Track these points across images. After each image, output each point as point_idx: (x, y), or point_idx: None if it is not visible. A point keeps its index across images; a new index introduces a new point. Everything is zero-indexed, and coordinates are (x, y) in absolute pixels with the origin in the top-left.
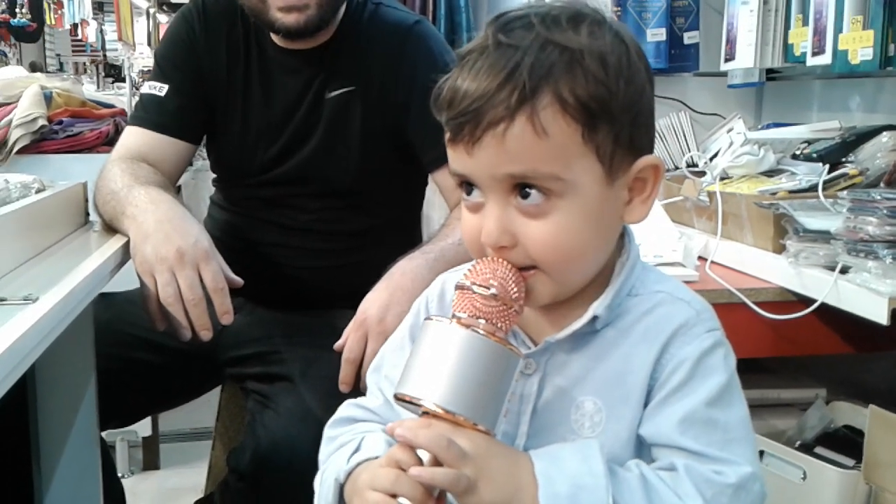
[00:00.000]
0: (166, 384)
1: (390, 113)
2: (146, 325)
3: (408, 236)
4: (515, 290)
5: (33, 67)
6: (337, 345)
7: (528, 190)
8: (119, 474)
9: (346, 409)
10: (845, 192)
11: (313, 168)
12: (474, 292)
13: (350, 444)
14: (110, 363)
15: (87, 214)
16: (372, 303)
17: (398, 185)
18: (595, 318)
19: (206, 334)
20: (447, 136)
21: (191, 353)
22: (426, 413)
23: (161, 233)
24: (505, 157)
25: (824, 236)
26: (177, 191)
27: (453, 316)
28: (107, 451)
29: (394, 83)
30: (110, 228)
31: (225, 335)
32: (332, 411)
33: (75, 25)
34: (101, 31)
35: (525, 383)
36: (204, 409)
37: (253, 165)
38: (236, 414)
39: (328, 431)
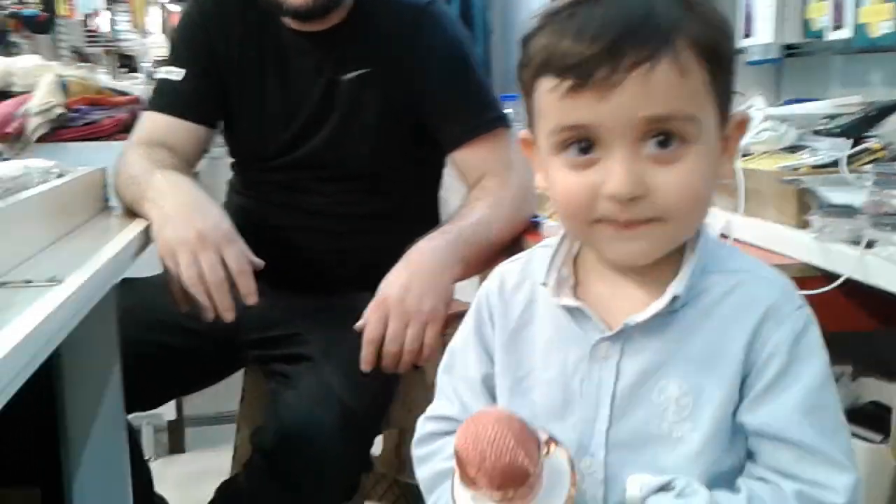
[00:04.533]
0: (190, 367)
1: (406, 94)
2: (170, 309)
3: (426, 218)
4: (520, 461)
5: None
6: (357, 325)
7: (663, 136)
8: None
9: (426, 424)
10: (869, 166)
11: (329, 151)
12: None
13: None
14: (135, 347)
15: (107, 199)
16: (392, 283)
17: (415, 167)
18: (675, 297)
19: (228, 315)
20: (561, 86)
21: (213, 337)
22: None
23: (182, 216)
24: (648, 99)
25: (848, 211)
26: (194, 177)
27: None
28: (134, 435)
29: (410, 64)
30: (131, 213)
31: (246, 318)
32: (354, 390)
33: (87, 16)
34: (114, 21)
35: (602, 367)
36: (228, 393)
37: (268, 149)
38: (260, 397)
39: (416, 452)
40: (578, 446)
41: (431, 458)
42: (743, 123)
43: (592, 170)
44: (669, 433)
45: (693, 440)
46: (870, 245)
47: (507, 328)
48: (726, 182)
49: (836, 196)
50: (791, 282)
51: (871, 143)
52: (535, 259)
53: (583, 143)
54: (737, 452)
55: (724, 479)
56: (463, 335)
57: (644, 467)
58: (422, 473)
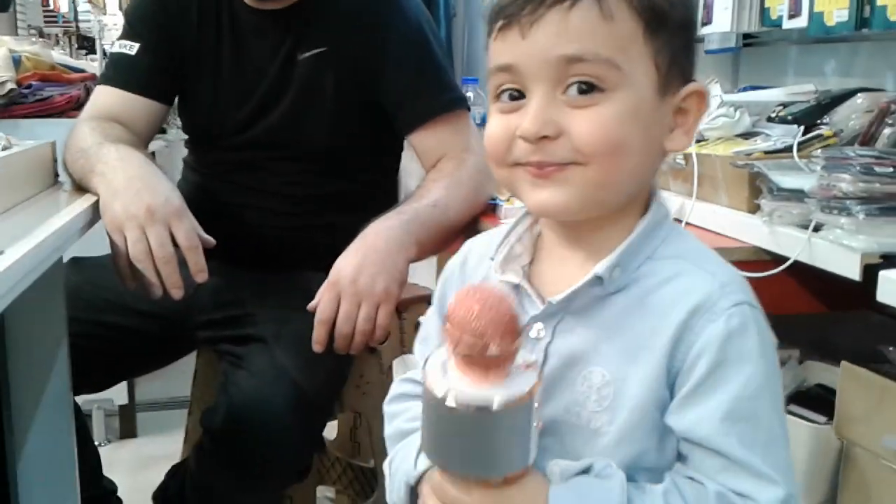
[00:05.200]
0: (138, 348)
1: (363, 75)
2: (117, 288)
3: (383, 201)
4: (492, 336)
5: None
6: (310, 305)
7: (584, 83)
8: (96, 442)
9: (400, 385)
10: (820, 151)
11: (285, 131)
12: (455, 349)
13: (412, 439)
14: (82, 327)
15: (56, 175)
16: (345, 264)
17: (372, 149)
18: (598, 278)
19: (176, 292)
20: (496, 26)
21: (162, 317)
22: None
23: (131, 190)
24: (565, 37)
25: (798, 195)
26: (151, 158)
27: (447, 363)
28: (81, 417)
29: (367, 44)
30: (80, 188)
31: (197, 298)
32: (306, 371)
33: None
34: (74, 1)
35: (533, 348)
36: (181, 379)
37: (224, 128)
38: (212, 380)
39: (387, 409)
40: None
41: (397, 416)
42: (699, 95)
43: (516, 114)
44: (588, 423)
45: (609, 433)
46: (817, 228)
47: None
48: (680, 167)
49: (787, 181)
50: (740, 279)
51: (823, 130)
52: (498, 234)
53: (513, 90)
54: (667, 453)
55: (648, 476)
56: (431, 308)
57: (562, 455)
58: (387, 431)
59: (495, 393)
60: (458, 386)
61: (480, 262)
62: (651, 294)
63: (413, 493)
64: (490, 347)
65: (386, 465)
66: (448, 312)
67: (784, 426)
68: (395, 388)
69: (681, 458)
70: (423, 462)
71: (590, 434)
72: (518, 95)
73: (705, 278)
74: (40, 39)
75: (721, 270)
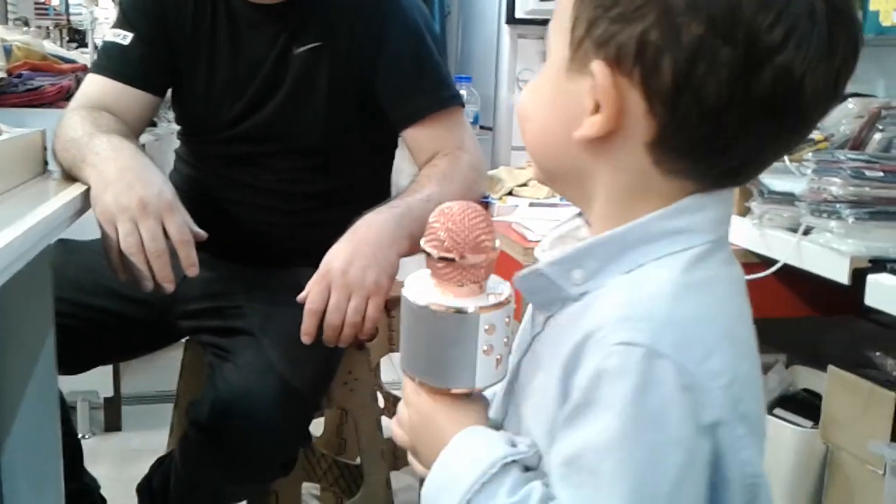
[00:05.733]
0: (119, 332)
1: (358, 70)
2: (102, 271)
3: (376, 197)
4: (463, 247)
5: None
6: (300, 296)
7: None
8: (80, 435)
9: None
10: (811, 154)
11: (279, 125)
12: (425, 252)
13: None
14: (63, 306)
15: (46, 163)
16: (336, 255)
17: (366, 146)
18: (541, 274)
19: (168, 286)
20: None
21: (147, 302)
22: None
23: (123, 182)
24: None
25: (788, 198)
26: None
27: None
28: (65, 408)
29: (362, 39)
30: (69, 177)
31: (184, 288)
32: (293, 364)
33: None
34: None
35: (526, 338)
36: (167, 372)
37: (217, 121)
38: (199, 372)
39: None
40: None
41: None
42: (600, 82)
43: None
44: (523, 416)
45: (536, 434)
46: (807, 232)
47: None
48: None
49: (778, 184)
50: (661, 321)
51: (815, 135)
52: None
53: None
54: None
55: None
56: None
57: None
58: None
59: (448, 300)
60: (426, 292)
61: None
62: (589, 306)
63: None
64: (461, 255)
65: None
66: (427, 226)
67: (638, 490)
68: None
69: None
70: None
71: (529, 431)
72: None
73: (618, 306)
74: (29, 30)
75: (650, 304)
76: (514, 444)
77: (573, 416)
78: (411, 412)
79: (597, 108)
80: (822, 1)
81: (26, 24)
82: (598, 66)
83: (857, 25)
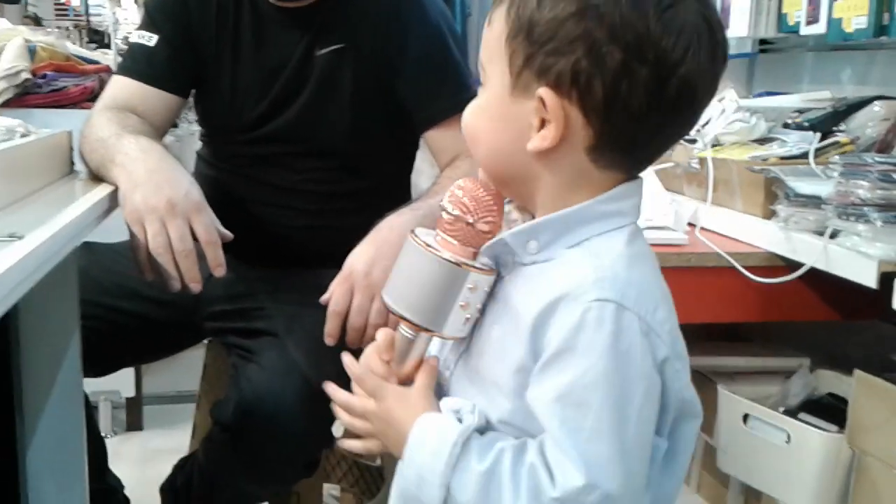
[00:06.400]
0: (145, 334)
1: (381, 72)
2: (126, 273)
3: (397, 199)
4: (479, 214)
5: (35, 24)
6: (323, 298)
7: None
8: (102, 434)
9: None
10: (837, 157)
11: (302, 127)
12: (442, 208)
13: None
14: (88, 309)
15: (72, 163)
16: (359, 257)
17: (388, 147)
18: (501, 241)
19: (195, 286)
20: None
21: (171, 304)
22: (397, 316)
23: (152, 182)
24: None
25: (814, 201)
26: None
27: (435, 237)
28: (89, 409)
29: (385, 41)
30: (96, 178)
31: (208, 290)
32: (317, 366)
33: None
34: None
35: (483, 300)
36: (189, 372)
37: (240, 122)
38: (222, 373)
39: None
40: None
41: None
42: (541, 103)
43: None
44: (486, 370)
45: (496, 384)
46: (834, 235)
47: None
48: (695, 171)
49: (803, 186)
50: (627, 283)
51: (840, 137)
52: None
53: None
54: (536, 420)
55: (522, 434)
56: None
57: (469, 393)
58: None
59: (448, 251)
60: (431, 240)
61: None
62: (545, 273)
63: None
64: (476, 219)
65: None
66: (451, 188)
67: (627, 432)
68: None
69: None
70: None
71: (482, 379)
72: None
73: (590, 271)
74: (47, 29)
75: (609, 270)
76: (460, 419)
77: (554, 360)
78: (368, 406)
79: (542, 124)
80: (705, 22)
81: (37, 22)
82: (544, 91)
83: (725, 40)
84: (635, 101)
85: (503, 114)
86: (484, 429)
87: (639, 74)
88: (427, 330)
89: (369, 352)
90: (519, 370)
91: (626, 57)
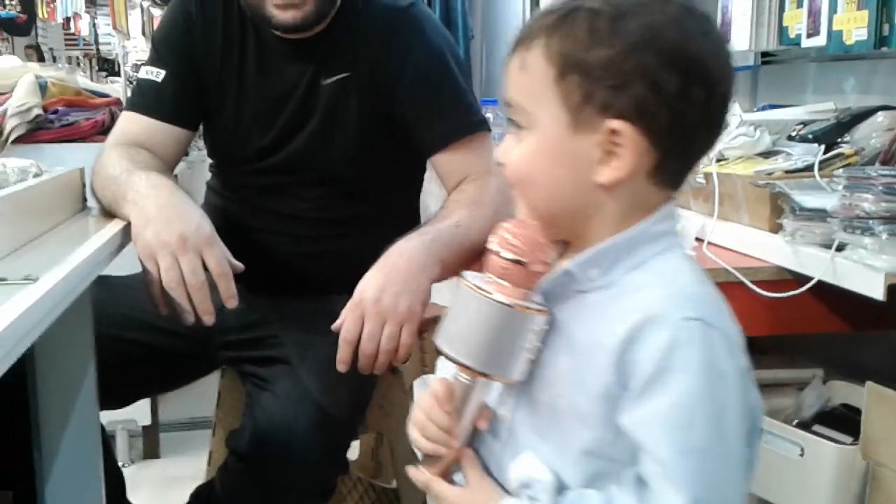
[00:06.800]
0: (160, 366)
1: (386, 97)
2: (141, 306)
3: (406, 223)
4: (532, 250)
5: (38, 54)
6: (334, 325)
7: (512, 119)
8: (119, 463)
9: None
10: (841, 170)
11: (309, 156)
12: (493, 253)
13: None
14: (103, 343)
15: (85, 200)
16: (369, 284)
17: (395, 172)
18: (567, 272)
19: (208, 319)
20: None
21: (185, 336)
22: (455, 363)
23: (163, 218)
24: (506, 85)
25: (820, 214)
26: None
27: (486, 280)
28: (106, 439)
29: (387, 67)
30: (108, 214)
31: (221, 320)
32: (330, 392)
33: (68, 19)
34: (94, 24)
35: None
36: (204, 399)
37: (247, 153)
38: (237, 400)
39: None
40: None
41: None
42: (617, 133)
43: None
44: (554, 404)
45: (570, 416)
46: (840, 248)
47: None
48: (701, 186)
49: (809, 200)
50: (704, 299)
51: (844, 149)
52: None
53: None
54: (623, 446)
55: (609, 465)
56: None
57: (536, 429)
58: None
59: (512, 296)
60: (489, 286)
61: None
62: (618, 299)
63: None
64: (531, 261)
65: None
66: (498, 231)
67: (729, 447)
68: None
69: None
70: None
71: (556, 414)
72: None
73: (667, 292)
74: (66, 65)
75: (687, 290)
76: (533, 497)
77: (652, 383)
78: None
79: (605, 155)
80: (725, 44)
81: (39, 53)
82: (618, 124)
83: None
84: (690, 120)
85: (563, 152)
86: (560, 486)
87: (693, 95)
88: (488, 375)
89: (427, 405)
90: (604, 397)
91: (682, 81)
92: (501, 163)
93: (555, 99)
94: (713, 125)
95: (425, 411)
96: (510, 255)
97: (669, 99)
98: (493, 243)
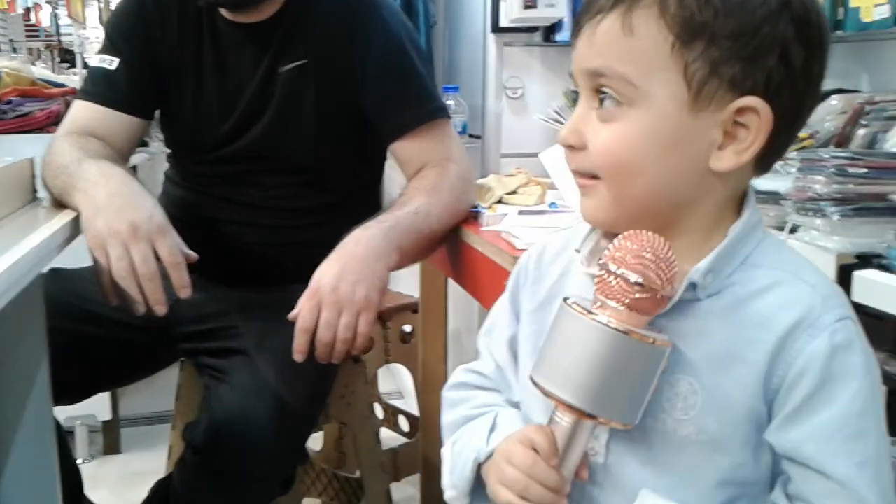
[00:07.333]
0: (117, 359)
1: (345, 85)
2: (96, 298)
3: (367, 212)
4: (665, 273)
5: None
6: (291, 315)
7: (603, 93)
8: (79, 459)
9: (462, 374)
10: (795, 153)
11: (268, 144)
12: (617, 276)
13: (484, 420)
14: (58, 337)
15: (35, 191)
16: (325, 272)
17: (355, 161)
18: (693, 285)
19: (160, 309)
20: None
21: (142, 328)
22: (560, 404)
23: (113, 206)
24: (591, 51)
25: (775, 197)
26: (132, 172)
27: (594, 304)
28: (62, 435)
29: (347, 55)
30: (59, 204)
31: (179, 310)
32: (288, 383)
33: (28, 10)
34: (55, 15)
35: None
36: (165, 393)
37: (206, 141)
38: (196, 393)
39: (447, 395)
40: None
41: (461, 403)
42: (758, 113)
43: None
44: (674, 431)
45: (699, 443)
46: (794, 230)
47: (536, 297)
48: None
49: (764, 183)
50: (840, 292)
51: (800, 132)
52: (578, 230)
53: (575, 94)
54: (761, 465)
55: (742, 489)
56: (502, 300)
57: (648, 460)
58: (448, 417)
59: (641, 329)
60: (612, 316)
61: (558, 257)
62: (747, 303)
63: (478, 470)
64: (664, 286)
65: (447, 448)
66: (613, 257)
67: (887, 443)
68: (458, 376)
69: (781, 474)
70: (497, 438)
71: (678, 442)
72: (577, 99)
73: (806, 290)
74: (19, 55)
75: (821, 283)
76: None
77: (816, 394)
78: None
79: (726, 137)
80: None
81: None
82: (755, 101)
83: None
84: (806, 98)
85: (681, 134)
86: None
87: (812, 71)
88: (598, 418)
89: (528, 460)
90: (748, 418)
91: (806, 54)
92: (574, 145)
93: (674, 70)
94: (814, 106)
95: (526, 469)
96: (635, 278)
97: (794, 74)
98: (610, 263)
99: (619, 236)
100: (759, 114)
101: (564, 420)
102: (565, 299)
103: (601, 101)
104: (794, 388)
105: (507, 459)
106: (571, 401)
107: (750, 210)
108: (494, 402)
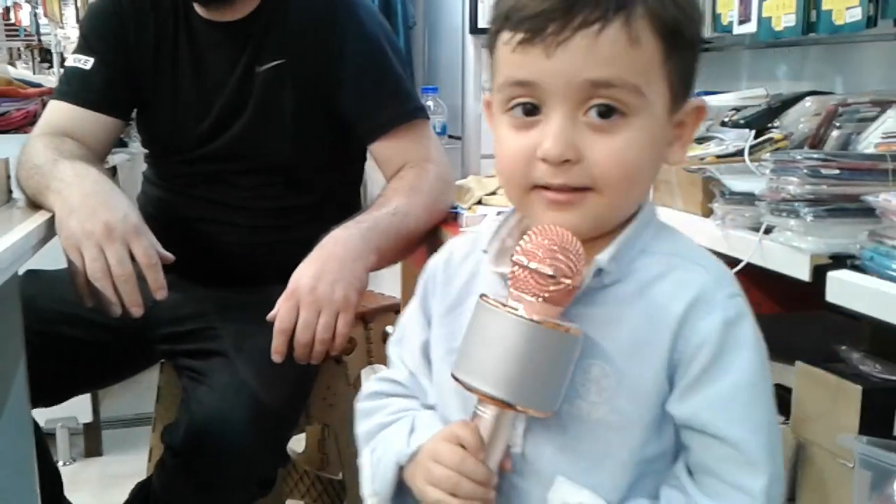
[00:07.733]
0: (95, 361)
1: (322, 85)
2: (73, 300)
3: (346, 212)
4: (576, 265)
5: None
6: (269, 315)
7: (604, 105)
8: (60, 462)
9: (375, 383)
10: (769, 154)
11: (246, 144)
12: (531, 270)
13: (402, 424)
14: (35, 338)
15: (10, 192)
16: (303, 273)
17: (334, 160)
18: (600, 270)
19: (136, 311)
20: (514, 38)
21: (120, 330)
22: (483, 397)
23: (88, 207)
24: (592, 61)
25: (749, 198)
26: (112, 173)
27: (508, 298)
28: (42, 437)
29: (324, 54)
30: (34, 205)
31: (157, 312)
32: (267, 384)
33: (7, 9)
34: (35, 14)
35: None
36: (146, 395)
37: (184, 141)
38: (176, 395)
39: (361, 405)
40: None
41: (376, 412)
42: (699, 110)
43: (533, 131)
44: (588, 415)
45: (611, 424)
46: (768, 231)
47: (446, 300)
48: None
49: (739, 184)
50: (729, 272)
51: (774, 134)
52: (484, 230)
53: (528, 104)
54: (665, 440)
55: (649, 465)
56: (411, 306)
57: (562, 448)
58: (364, 426)
59: (556, 319)
60: (523, 308)
61: (465, 259)
62: (648, 288)
63: (400, 474)
64: (573, 278)
65: (365, 456)
66: (526, 252)
67: (775, 411)
68: (371, 386)
69: (682, 446)
70: (417, 440)
71: (592, 425)
72: (533, 110)
73: (699, 272)
74: None
75: (713, 265)
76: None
77: (710, 366)
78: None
79: (675, 134)
80: None
81: None
82: (699, 101)
83: None
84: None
85: (660, 137)
86: None
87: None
88: (517, 408)
89: (456, 457)
90: (656, 394)
91: (696, 55)
92: (572, 159)
93: (662, 76)
94: None
95: (455, 466)
96: (548, 271)
97: (695, 73)
98: (523, 257)
99: (529, 231)
100: (701, 112)
101: (487, 413)
102: (482, 296)
103: (600, 113)
104: (692, 360)
105: (433, 458)
106: (494, 392)
107: (648, 202)
108: (410, 406)
